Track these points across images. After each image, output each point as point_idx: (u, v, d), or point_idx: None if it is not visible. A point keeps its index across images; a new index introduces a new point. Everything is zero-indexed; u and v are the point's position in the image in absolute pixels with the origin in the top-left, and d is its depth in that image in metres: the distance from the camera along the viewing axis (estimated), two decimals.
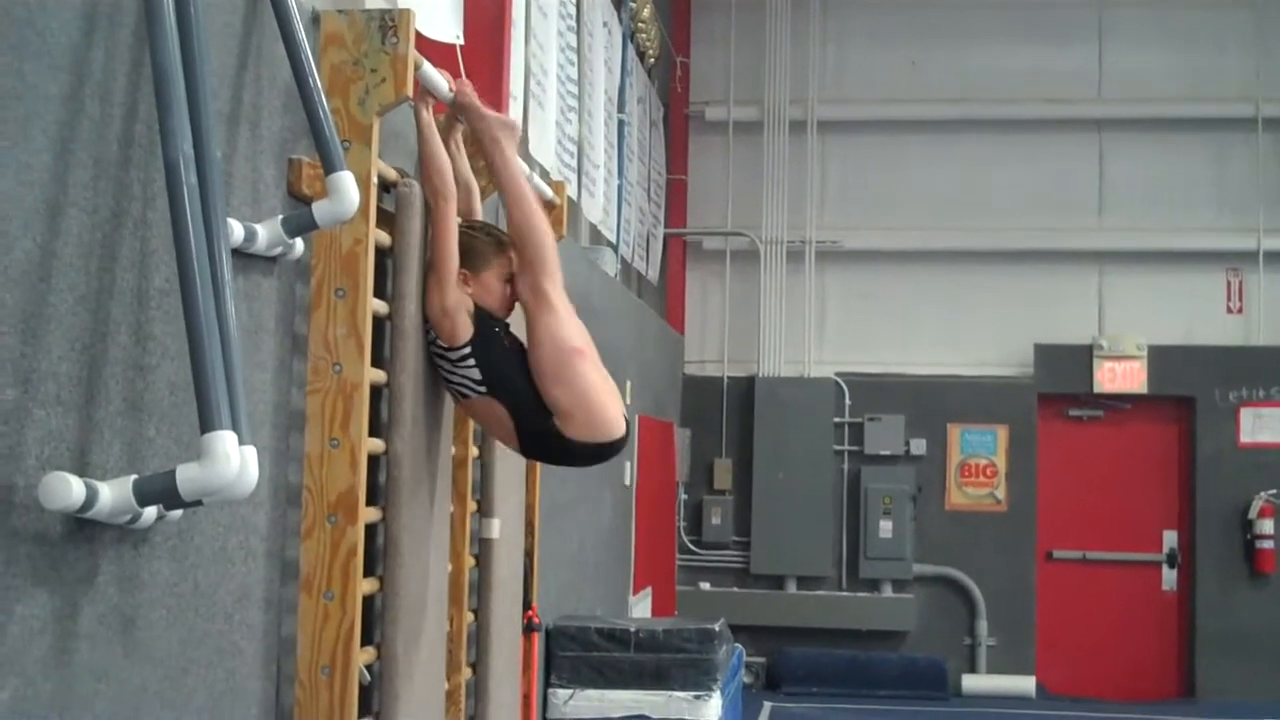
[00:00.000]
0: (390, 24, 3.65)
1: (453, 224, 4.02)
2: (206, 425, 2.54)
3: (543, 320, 4.07)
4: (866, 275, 12.55)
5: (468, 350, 4.01)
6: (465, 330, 4.01)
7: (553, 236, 4.29)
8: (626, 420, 4.18)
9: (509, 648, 5.30)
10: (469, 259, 4.09)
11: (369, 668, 3.82)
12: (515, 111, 6.56)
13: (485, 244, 4.16)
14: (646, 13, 10.26)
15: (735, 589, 12.08)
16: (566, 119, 7.85)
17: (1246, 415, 11.85)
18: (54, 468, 2.45)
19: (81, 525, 2.55)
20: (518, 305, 4.21)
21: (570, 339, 4.08)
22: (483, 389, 4.04)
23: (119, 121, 2.67)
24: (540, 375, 4.03)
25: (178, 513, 2.82)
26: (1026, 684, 11.74)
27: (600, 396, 4.09)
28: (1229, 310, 12.26)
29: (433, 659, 4.24)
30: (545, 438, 4.08)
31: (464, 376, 4.04)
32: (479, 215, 4.43)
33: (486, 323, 4.09)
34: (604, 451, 4.17)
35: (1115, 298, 12.34)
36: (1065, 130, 12.47)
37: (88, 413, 2.58)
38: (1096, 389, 12.04)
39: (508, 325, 4.20)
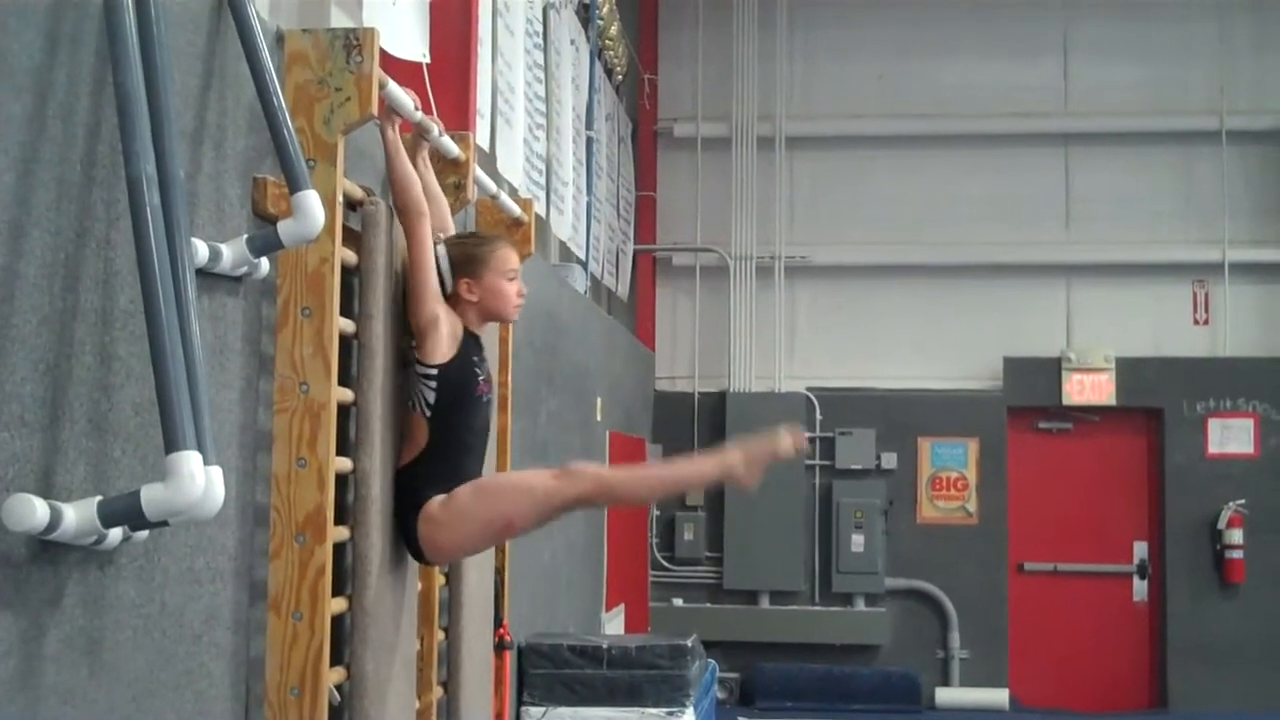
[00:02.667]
0: (355, 43, 3.65)
1: (428, 241, 4.03)
2: (171, 445, 2.53)
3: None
4: (836, 290, 12.59)
5: (435, 373, 4.02)
6: (441, 353, 4.02)
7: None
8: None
9: (480, 666, 5.29)
10: (467, 267, 4.11)
11: (339, 688, 3.81)
12: (483, 129, 6.56)
13: (476, 246, 4.19)
14: (614, 30, 10.28)
15: (708, 604, 12.07)
16: (534, 137, 7.86)
17: (1214, 426, 11.92)
18: (18, 489, 2.43)
19: (46, 547, 2.53)
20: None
21: (508, 509, 4.07)
22: (428, 413, 4.04)
23: (82, 142, 2.67)
24: (466, 496, 4.02)
25: (144, 534, 2.81)
26: (1000, 696, 11.77)
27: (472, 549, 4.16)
28: (1196, 322, 12.33)
29: (403, 678, 4.22)
30: (406, 513, 4.04)
31: (421, 391, 4.04)
32: (450, 230, 4.44)
33: (470, 358, 4.09)
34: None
35: (1083, 310, 12.40)
36: (1032, 144, 12.54)
37: (52, 434, 2.56)
38: (1065, 401, 12.09)
39: (490, 379, 4.19)
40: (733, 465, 4.08)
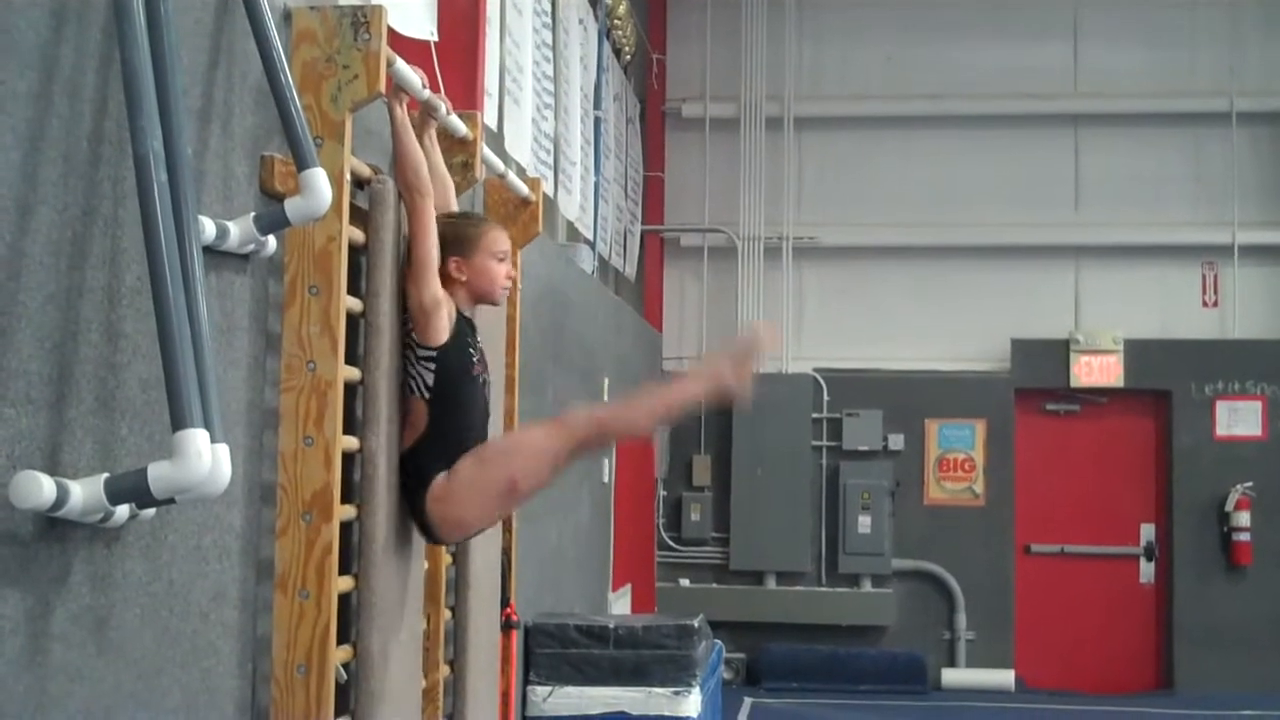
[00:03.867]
0: (363, 20, 3.64)
1: (431, 220, 4.02)
2: (178, 423, 2.53)
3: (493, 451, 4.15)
4: (844, 271, 12.57)
5: (434, 354, 4.01)
6: (439, 334, 4.00)
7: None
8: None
9: (487, 645, 5.29)
10: (457, 246, 4.10)
11: (345, 666, 3.81)
12: (491, 109, 6.55)
13: (467, 226, 4.19)
14: (622, 10, 10.25)
15: (714, 585, 12.09)
16: (542, 116, 7.84)
17: (1222, 408, 11.90)
18: (24, 467, 2.43)
19: (53, 524, 2.53)
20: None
21: (520, 481, 4.07)
22: (427, 395, 4.03)
23: (89, 119, 2.66)
24: (469, 463, 4.02)
25: (150, 511, 2.81)
26: (1006, 677, 11.78)
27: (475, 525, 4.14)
28: (1205, 304, 12.31)
29: (410, 657, 4.23)
30: (415, 490, 4.03)
31: (419, 374, 4.02)
32: (454, 210, 4.43)
33: (465, 339, 4.08)
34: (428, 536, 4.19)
35: (1091, 292, 12.38)
36: (1041, 125, 12.51)
37: (58, 411, 2.56)
38: (1073, 383, 12.08)
39: (484, 360, 4.19)
40: (720, 374, 4.12)
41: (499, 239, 4.21)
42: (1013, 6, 12.56)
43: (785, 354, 12.37)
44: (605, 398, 8.89)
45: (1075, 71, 12.53)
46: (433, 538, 4.13)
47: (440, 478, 3.99)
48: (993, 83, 12.43)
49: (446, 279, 4.09)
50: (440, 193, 4.28)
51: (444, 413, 4.03)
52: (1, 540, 2.41)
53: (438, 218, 4.12)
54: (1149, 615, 12.12)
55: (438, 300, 3.99)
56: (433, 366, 4.01)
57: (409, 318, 4.03)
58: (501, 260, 4.19)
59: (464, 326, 4.12)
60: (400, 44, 4.58)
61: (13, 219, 2.42)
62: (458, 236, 4.12)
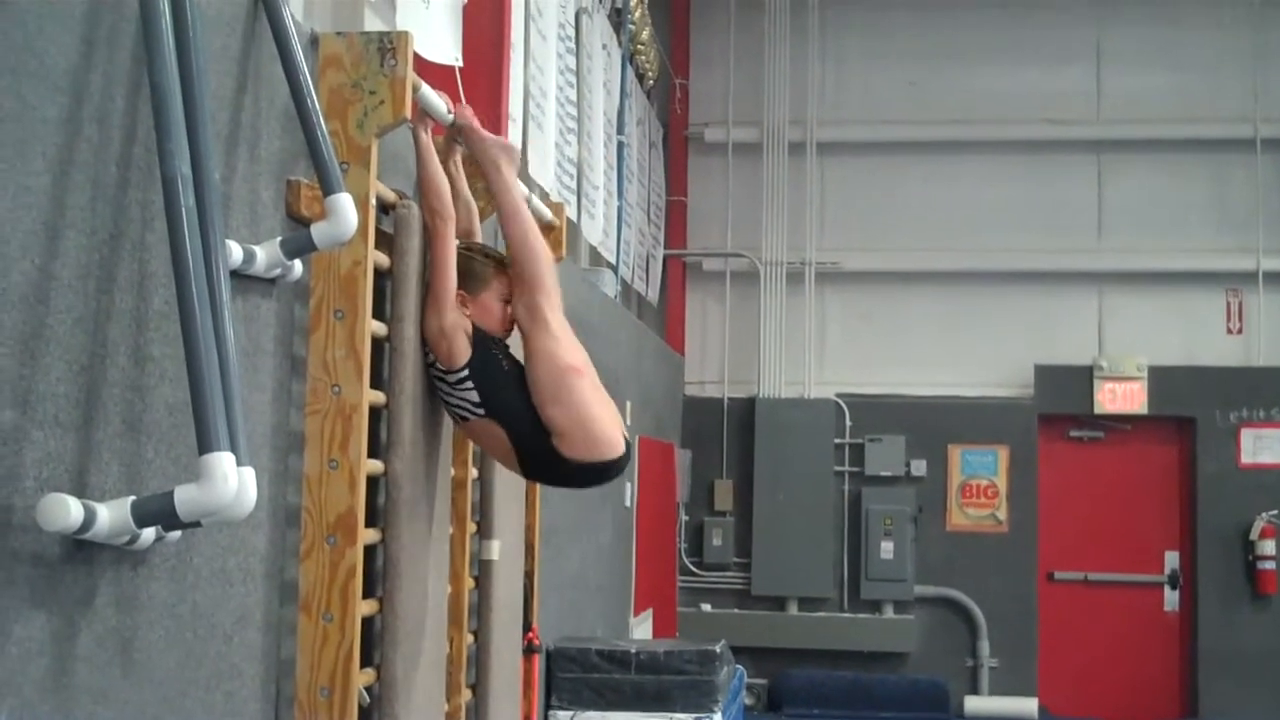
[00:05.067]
0: (389, 46, 3.66)
1: (451, 245, 4.03)
2: (205, 447, 2.54)
3: (539, 339, 4.08)
4: (866, 296, 12.57)
5: (465, 373, 4.01)
6: (463, 353, 4.01)
7: (550, 256, 4.30)
8: (627, 440, 4.18)
9: (509, 669, 5.29)
10: (466, 281, 4.10)
11: (368, 689, 3.82)
12: (514, 134, 6.57)
13: (483, 265, 4.17)
14: (645, 35, 10.29)
15: (736, 610, 12.06)
16: (566, 141, 7.86)
17: (1247, 436, 11.85)
18: (52, 489, 2.45)
19: (80, 546, 2.54)
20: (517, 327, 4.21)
21: (566, 358, 4.07)
22: (481, 411, 4.04)
23: (117, 143, 2.68)
24: (537, 395, 4.02)
25: (176, 534, 2.82)
26: (1029, 705, 11.72)
27: (598, 415, 4.08)
28: (1229, 331, 12.26)
29: (432, 681, 4.23)
30: (545, 458, 4.07)
31: (462, 398, 4.04)
32: (478, 236, 4.44)
33: (485, 344, 4.09)
34: (604, 471, 4.16)
35: (1115, 318, 12.35)
36: (1064, 151, 12.49)
37: (86, 434, 2.58)
38: (1097, 410, 12.03)
39: (507, 347, 4.20)
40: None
41: (508, 283, 4.20)
42: (1035, 31, 12.56)
43: (807, 379, 12.36)
44: (628, 421, 8.88)
45: (1098, 97, 12.52)
46: (607, 462, 4.13)
47: (550, 440, 4.03)
48: (1015, 108, 12.43)
49: None
50: (464, 217, 4.29)
51: (506, 412, 4.05)
52: (29, 562, 2.42)
53: (458, 247, 4.13)
54: (1173, 643, 12.05)
55: (456, 325, 4.00)
56: (471, 384, 4.02)
57: (428, 347, 4.03)
58: (507, 303, 4.19)
59: (482, 334, 4.12)
60: (425, 69, 4.60)
61: (42, 243, 2.44)
62: (469, 272, 4.12)
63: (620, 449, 4.12)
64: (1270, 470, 11.78)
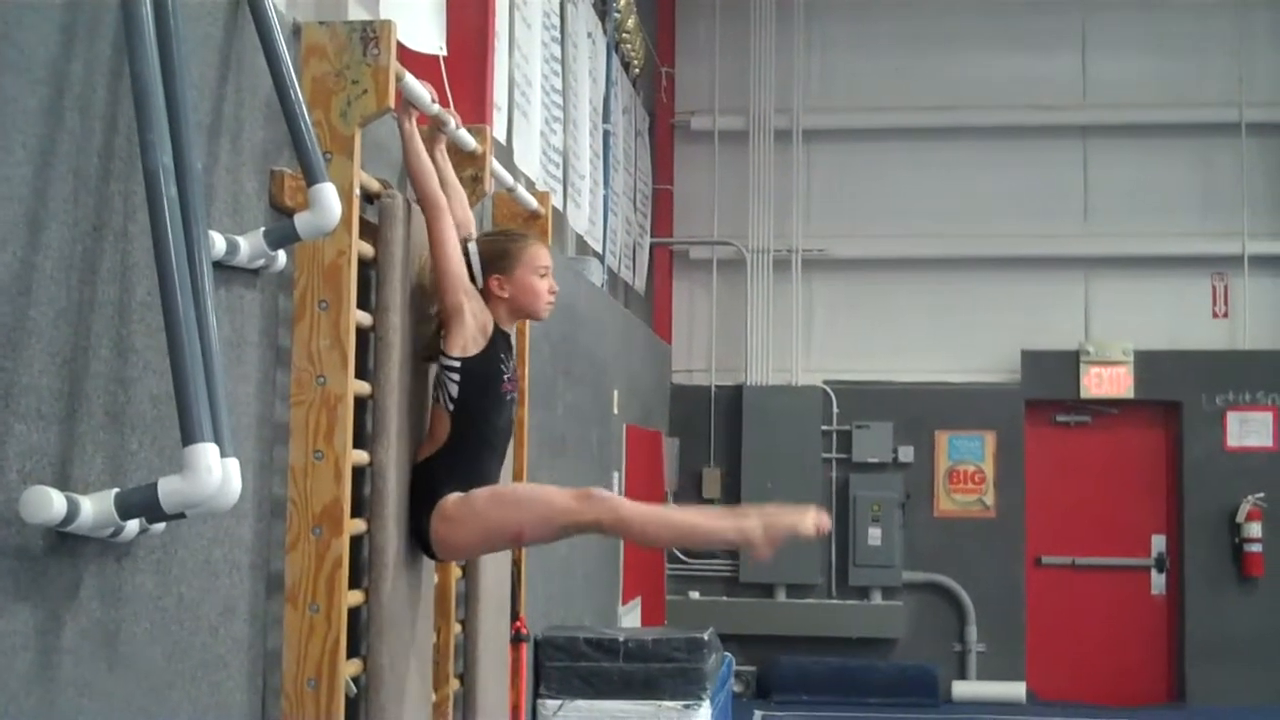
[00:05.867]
0: (372, 35, 3.65)
1: (446, 231, 4.03)
2: (188, 438, 2.54)
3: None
4: (853, 283, 12.57)
5: (457, 365, 4.01)
6: (462, 345, 4.01)
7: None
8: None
9: (497, 659, 5.29)
10: (499, 262, 4.12)
11: (355, 680, 3.81)
12: (500, 123, 6.56)
13: (507, 242, 4.21)
14: (631, 23, 10.27)
15: (724, 598, 12.07)
16: (551, 130, 7.85)
17: (1233, 419, 11.88)
18: (35, 482, 2.44)
19: (63, 539, 2.54)
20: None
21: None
22: (451, 407, 4.04)
23: (99, 134, 2.67)
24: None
25: (161, 526, 2.81)
26: (1017, 690, 11.75)
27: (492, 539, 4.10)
28: (1215, 314, 12.29)
29: (420, 671, 4.23)
30: (416, 504, 4.02)
31: (445, 384, 4.04)
32: (470, 222, 4.43)
33: (498, 355, 4.09)
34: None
35: (1101, 303, 12.37)
36: (1050, 136, 12.50)
37: (69, 426, 2.57)
38: (1083, 394, 12.06)
39: (517, 380, 4.20)
40: (752, 533, 3.97)
41: (540, 254, 4.21)
42: (1021, 17, 12.56)
43: (795, 366, 12.37)
44: (615, 410, 8.89)
45: (1084, 82, 12.54)
46: (427, 551, 4.11)
47: (451, 499, 3.97)
48: (1001, 94, 12.44)
49: (489, 296, 4.12)
50: (455, 205, 4.29)
51: (466, 428, 4.04)
52: (12, 555, 2.41)
53: (480, 237, 4.14)
54: (1160, 627, 12.08)
55: (460, 309, 4.00)
56: (456, 378, 4.02)
57: (441, 328, 4.06)
58: (544, 275, 4.19)
59: (500, 342, 4.12)
60: (409, 59, 4.58)
61: (23, 234, 2.42)
62: (498, 253, 4.13)
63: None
64: (1256, 453, 11.82)
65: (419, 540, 4.05)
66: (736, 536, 4.08)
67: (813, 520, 3.93)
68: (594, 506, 3.91)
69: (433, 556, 4.16)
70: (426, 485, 4.01)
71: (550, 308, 4.29)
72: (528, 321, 5.52)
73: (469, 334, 4.01)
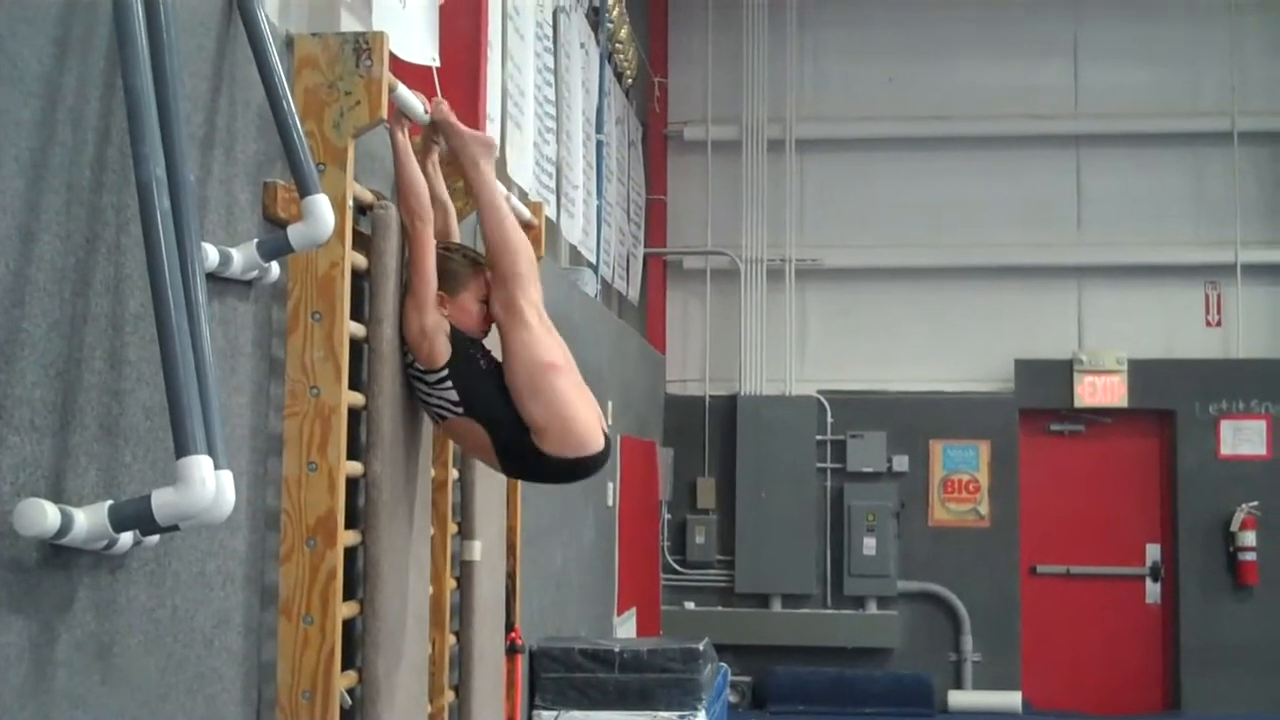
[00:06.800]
0: (364, 46, 3.65)
1: (430, 246, 4.02)
2: (182, 450, 2.53)
3: (517, 335, 4.07)
4: (847, 293, 12.58)
5: (445, 373, 4.01)
6: (443, 353, 4.00)
7: (529, 251, 4.29)
8: (607, 436, 4.17)
9: (492, 670, 5.29)
10: (445, 281, 4.09)
11: (350, 692, 3.81)
12: (493, 133, 6.55)
13: (460, 265, 4.16)
14: (624, 34, 10.28)
15: (720, 608, 12.06)
16: (544, 140, 7.85)
17: (1227, 428, 11.89)
18: (29, 494, 2.43)
19: (57, 551, 2.53)
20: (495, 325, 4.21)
21: (545, 354, 4.06)
22: (460, 410, 4.04)
23: (92, 146, 2.67)
24: (516, 391, 4.01)
25: (154, 538, 2.81)
26: (1013, 699, 11.74)
27: (576, 410, 4.07)
28: (1208, 323, 12.30)
29: (414, 682, 4.22)
30: (524, 454, 4.06)
31: (441, 398, 4.03)
32: (456, 236, 4.44)
33: (464, 344, 4.08)
34: (584, 466, 4.15)
35: (1095, 312, 12.38)
36: (1043, 146, 12.51)
37: (62, 438, 2.57)
38: (1077, 403, 12.07)
39: (484, 347, 4.19)
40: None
41: (485, 284, 4.19)
42: (1013, 26, 12.58)
43: (789, 376, 12.37)
44: (609, 421, 8.87)
45: (1076, 91, 12.55)
46: (586, 458, 4.12)
47: (529, 437, 4.02)
48: (994, 103, 12.45)
49: None
50: (441, 219, 4.29)
51: (485, 410, 4.05)
52: (6, 568, 2.41)
53: (436, 247, 4.12)
54: (1155, 636, 12.08)
55: (438, 325, 3.99)
56: (450, 384, 4.01)
57: (407, 346, 4.02)
58: (484, 303, 4.18)
59: (459, 335, 4.11)
60: (402, 69, 4.58)
61: (16, 246, 2.42)
62: (447, 272, 4.11)
63: (599, 444, 4.11)
64: (1250, 461, 11.82)
65: (552, 471, 4.15)
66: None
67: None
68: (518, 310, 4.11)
69: (590, 451, 4.12)
70: (519, 450, 4.07)
71: (483, 336, 4.27)
72: None
73: (442, 343, 4.01)
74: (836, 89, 12.70)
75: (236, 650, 3.33)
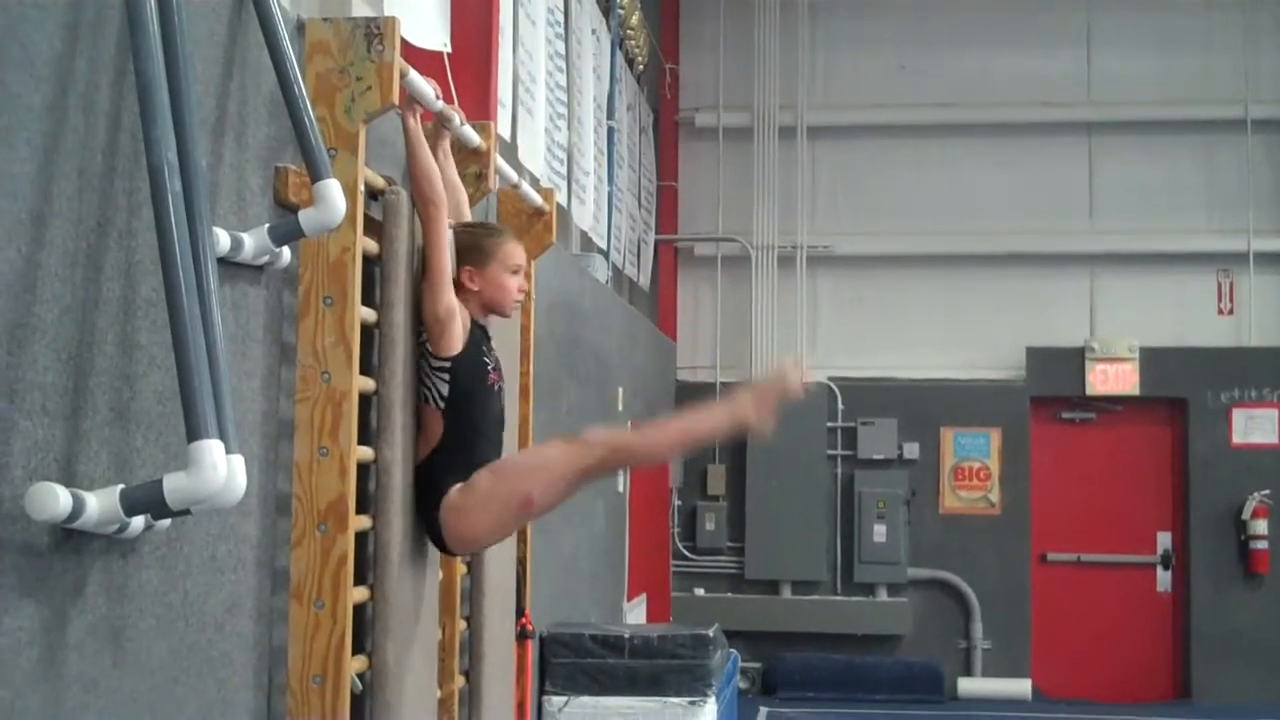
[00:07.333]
0: (376, 32, 3.65)
1: (444, 230, 4.03)
2: (193, 434, 2.54)
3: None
4: (858, 280, 12.56)
5: (448, 365, 4.01)
6: (453, 345, 4.01)
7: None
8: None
9: (502, 655, 5.29)
10: (472, 255, 4.11)
11: (360, 676, 3.82)
12: (504, 119, 6.55)
13: (484, 237, 4.20)
14: (635, 20, 10.26)
15: (730, 594, 12.07)
16: (555, 126, 7.85)
17: (1239, 416, 11.86)
18: (41, 478, 2.44)
19: (69, 535, 2.54)
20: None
21: (523, 486, 4.02)
22: (440, 405, 4.04)
23: (103, 131, 2.67)
24: (478, 480, 4.03)
25: (166, 522, 2.81)
26: (1022, 687, 11.74)
27: (490, 540, 4.18)
28: (1220, 312, 12.27)
29: (425, 667, 4.23)
30: (429, 503, 4.02)
31: (434, 384, 4.04)
32: (466, 220, 4.43)
33: (479, 348, 4.09)
34: (444, 550, 4.18)
35: (1107, 300, 12.35)
36: (1055, 134, 12.48)
37: (74, 423, 2.57)
38: (1089, 391, 12.04)
39: (499, 367, 4.19)
40: (744, 409, 4.05)
41: (514, 252, 4.21)
42: (1026, 14, 12.54)
43: (800, 363, 12.34)
44: (620, 407, 8.89)
45: (1089, 79, 12.51)
46: (444, 548, 4.12)
47: (455, 489, 3.98)
48: (1006, 91, 12.41)
49: (459, 287, 4.10)
50: (454, 203, 4.29)
51: (459, 422, 4.04)
52: (18, 551, 2.41)
53: (455, 226, 4.13)
54: (1166, 624, 12.07)
55: (452, 311, 3.99)
56: (447, 377, 4.02)
57: (423, 328, 4.03)
58: (515, 273, 4.19)
59: (478, 335, 4.13)
60: (413, 55, 4.58)
61: (28, 232, 2.43)
62: (473, 246, 4.13)
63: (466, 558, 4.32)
64: (1262, 450, 11.80)
65: (432, 538, 4.06)
66: (732, 418, 4.13)
67: (793, 372, 4.01)
68: (591, 448, 3.97)
69: (449, 552, 4.17)
70: (430, 482, 4.02)
71: (517, 306, 4.29)
72: (532, 316, 5.54)
73: (456, 333, 4.01)
74: (848, 76, 12.67)
75: (247, 635, 3.34)
